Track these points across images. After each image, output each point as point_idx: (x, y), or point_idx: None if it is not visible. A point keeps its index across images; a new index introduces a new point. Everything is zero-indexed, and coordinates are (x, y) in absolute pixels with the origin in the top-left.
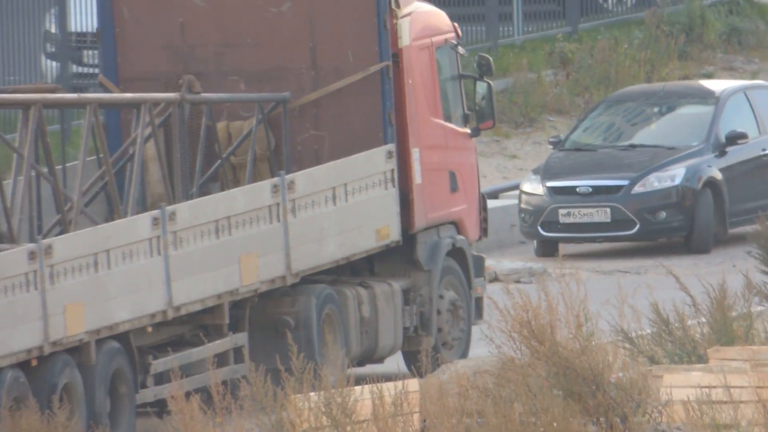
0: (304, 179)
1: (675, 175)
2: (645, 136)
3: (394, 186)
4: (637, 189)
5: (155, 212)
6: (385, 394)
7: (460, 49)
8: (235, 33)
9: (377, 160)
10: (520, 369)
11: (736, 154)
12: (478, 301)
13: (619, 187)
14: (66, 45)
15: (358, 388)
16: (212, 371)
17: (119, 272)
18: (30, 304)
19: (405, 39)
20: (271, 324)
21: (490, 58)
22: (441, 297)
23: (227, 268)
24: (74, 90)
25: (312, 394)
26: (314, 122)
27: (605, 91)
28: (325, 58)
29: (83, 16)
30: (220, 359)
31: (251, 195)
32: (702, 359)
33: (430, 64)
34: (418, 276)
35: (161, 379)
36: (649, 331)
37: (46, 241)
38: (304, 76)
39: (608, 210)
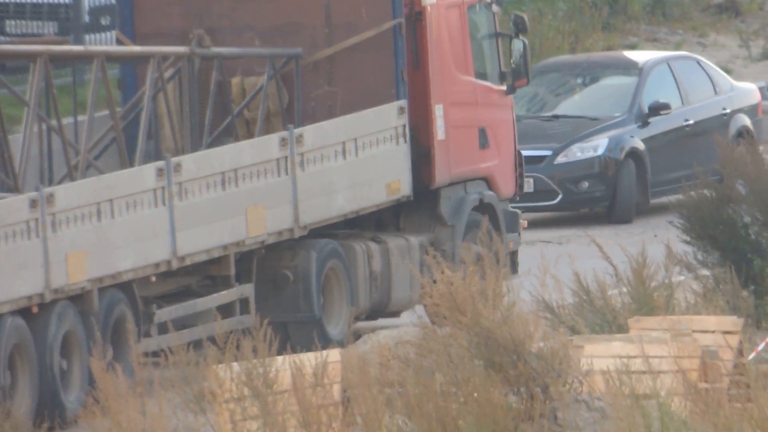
0: (313, 133)
1: (598, 145)
2: (568, 106)
3: (405, 141)
4: (560, 159)
5: (160, 163)
6: (306, 364)
7: (494, 8)
8: None
9: (388, 115)
10: (441, 339)
11: (659, 125)
12: (512, 255)
13: (542, 158)
14: None
15: (280, 358)
16: (217, 322)
17: (123, 222)
18: (31, 252)
19: None
20: (271, 277)
21: (525, 17)
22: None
23: (233, 220)
24: None
25: (234, 364)
26: (328, 78)
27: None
28: (339, 14)
29: None
30: (226, 310)
31: (259, 148)
32: (623, 329)
33: (461, 22)
34: (441, 231)
35: (166, 328)
36: (570, 301)
37: (48, 189)
38: (318, 32)
39: (531, 180)
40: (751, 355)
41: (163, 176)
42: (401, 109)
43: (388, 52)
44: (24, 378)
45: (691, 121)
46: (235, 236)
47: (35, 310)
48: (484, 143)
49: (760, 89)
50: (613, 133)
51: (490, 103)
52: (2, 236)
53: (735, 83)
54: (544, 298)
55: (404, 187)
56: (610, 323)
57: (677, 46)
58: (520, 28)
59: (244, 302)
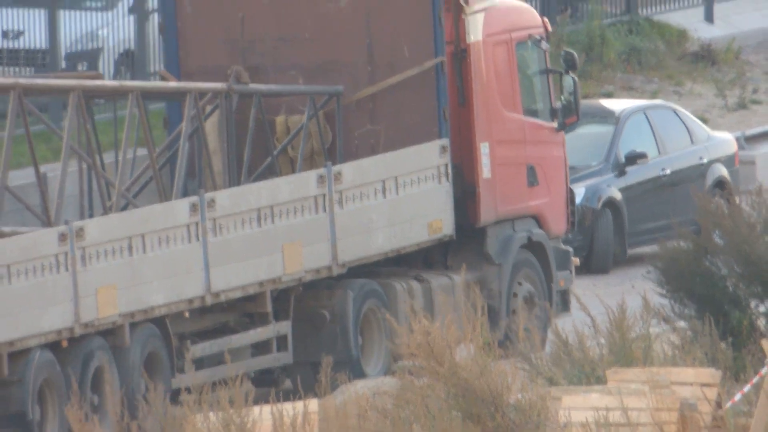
0: (351, 171)
1: (575, 194)
2: None
3: (448, 180)
4: None
5: (193, 198)
6: (285, 414)
7: (543, 45)
8: (293, 27)
9: (430, 154)
10: (418, 390)
11: (636, 174)
12: (564, 294)
13: None
14: None
15: (257, 408)
16: (253, 359)
17: (155, 256)
18: (60, 286)
19: (476, 35)
20: (308, 316)
21: (575, 54)
22: (519, 286)
23: (270, 257)
24: None
25: (211, 414)
26: (371, 116)
27: None
28: (381, 53)
29: None
30: (263, 347)
31: (296, 185)
32: (601, 380)
33: (508, 59)
34: (488, 269)
35: (202, 364)
36: (548, 352)
37: (78, 223)
38: (361, 70)
39: None
40: (728, 404)
41: (197, 212)
42: (443, 148)
43: (430, 90)
44: (54, 413)
45: (667, 171)
46: (271, 273)
47: (65, 344)
48: (532, 181)
49: (737, 139)
50: (589, 182)
51: (539, 140)
52: (30, 270)
53: (712, 132)
54: (521, 348)
55: (446, 226)
56: (588, 375)
57: (653, 95)
58: (570, 64)
59: (281, 339)
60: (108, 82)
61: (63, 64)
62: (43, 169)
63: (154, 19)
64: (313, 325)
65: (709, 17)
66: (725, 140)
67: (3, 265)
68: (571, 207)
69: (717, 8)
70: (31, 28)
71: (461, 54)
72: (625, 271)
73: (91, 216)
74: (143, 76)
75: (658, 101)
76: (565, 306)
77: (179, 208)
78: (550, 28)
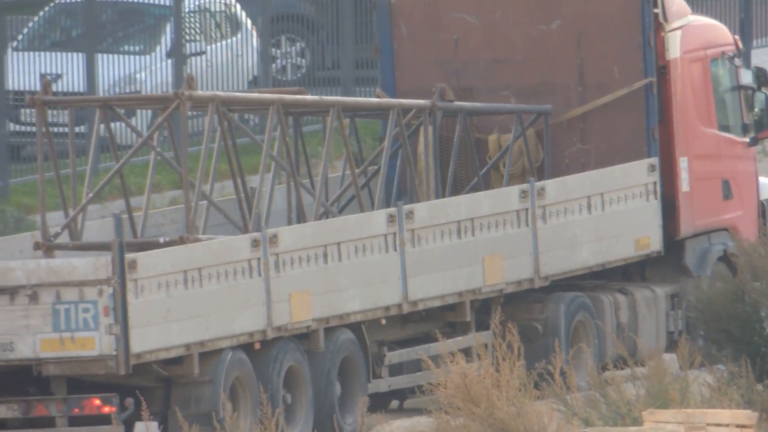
0: (555, 187)
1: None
2: None
3: (656, 198)
4: None
5: (391, 210)
6: None
7: (737, 61)
8: (506, 49)
9: (638, 172)
10: (455, 430)
11: None
12: None
13: None
14: (3, 103)
15: None
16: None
17: (351, 265)
18: (253, 290)
19: (674, 52)
20: (520, 329)
21: (767, 70)
22: None
23: (469, 268)
24: (11, 148)
25: None
26: (581, 136)
27: None
28: (591, 74)
29: (21, 75)
30: (465, 356)
31: (496, 199)
32: (637, 422)
33: (704, 75)
34: (686, 281)
35: (400, 370)
36: (584, 393)
37: (272, 230)
38: (572, 91)
39: None
40: None
41: (395, 223)
42: (652, 167)
43: (639, 110)
44: (246, 409)
45: None
46: (471, 284)
47: (257, 346)
48: (727, 194)
49: None
50: None
51: (733, 154)
52: (222, 273)
53: None
54: (557, 389)
55: (654, 242)
56: (624, 416)
57: None
58: (761, 81)
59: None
60: (308, 97)
61: None
62: (254, 182)
63: (192, 62)
64: (525, 338)
65: None
66: None
67: (194, 268)
68: (762, 220)
69: None
70: (69, 72)
71: (660, 71)
72: None
73: None
74: (177, 117)
75: None
76: None
77: (376, 218)
78: (741, 46)
